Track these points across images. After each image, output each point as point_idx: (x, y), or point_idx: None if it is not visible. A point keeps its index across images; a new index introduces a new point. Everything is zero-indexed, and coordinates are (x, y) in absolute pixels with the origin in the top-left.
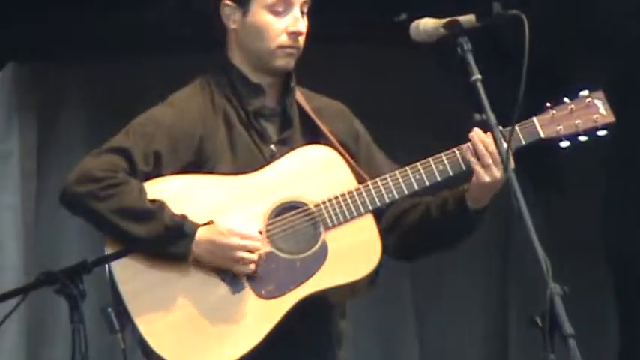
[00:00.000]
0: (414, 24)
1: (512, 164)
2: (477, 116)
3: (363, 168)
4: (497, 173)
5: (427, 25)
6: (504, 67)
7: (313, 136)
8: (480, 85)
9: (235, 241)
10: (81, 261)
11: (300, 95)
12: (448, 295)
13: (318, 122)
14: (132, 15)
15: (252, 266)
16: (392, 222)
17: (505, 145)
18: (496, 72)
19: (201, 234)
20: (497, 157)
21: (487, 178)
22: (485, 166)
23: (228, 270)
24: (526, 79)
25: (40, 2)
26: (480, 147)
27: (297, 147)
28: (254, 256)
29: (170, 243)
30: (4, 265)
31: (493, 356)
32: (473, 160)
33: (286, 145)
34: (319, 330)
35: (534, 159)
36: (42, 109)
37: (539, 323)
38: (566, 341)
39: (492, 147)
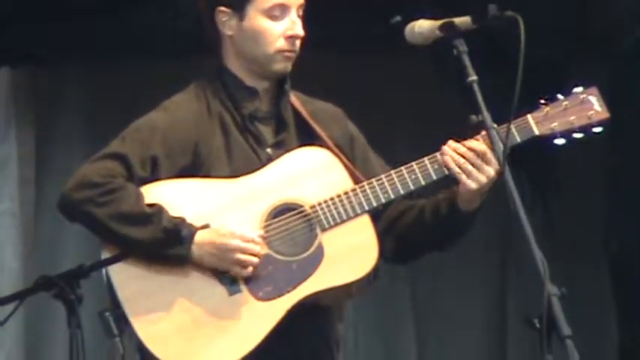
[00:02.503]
0: (409, 26)
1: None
2: (474, 117)
3: (358, 170)
4: (482, 178)
5: (422, 27)
6: (500, 67)
7: (309, 138)
8: (476, 86)
9: (236, 243)
10: (78, 265)
11: (294, 99)
12: (446, 299)
13: (314, 125)
14: (129, 18)
15: (250, 269)
16: (387, 226)
17: (501, 145)
18: (492, 72)
19: (200, 236)
20: (479, 162)
21: (473, 185)
22: (467, 174)
23: (226, 272)
24: (522, 80)
25: (36, 6)
26: (457, 158)
27: (293, 149)
28: (254, 260)
29: (169, 246)
30: (2, 270)
31: (493, 356)
32: (455, 169)
33: (282, 148)
34: (317, 332)
35: (531, 159)
36: (39, 115)
37: (537, 325)
38: (564, 342)
39: (469, 154)
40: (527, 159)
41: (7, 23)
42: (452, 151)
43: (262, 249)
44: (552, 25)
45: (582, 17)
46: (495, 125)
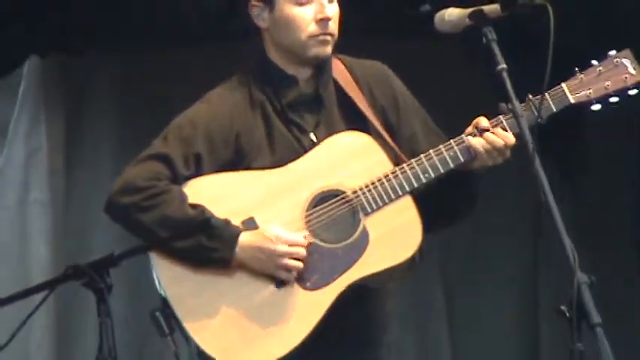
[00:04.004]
0: (438, 14)
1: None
2: (503, 105)
3: (401, 137)
4: (500, 160)
5: (452, 15)
6: (530, 55)
7: (352, 115)
8: (505, 74)
9: (282, 248)
10: (108, 254)
11: (339, 67)
12: (478, 287)
13: (357, 101)
14: (158, 6)
15: (295, 273)
16: None
17: (532, 126)
18: (522, 59)
19: (245, 239)
20: (504, 149)
21: (489, 163)
22: (489, 156)
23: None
24: (553, 66)
25: None
26: (483, 143)
27: (337, 130)
28: (299, 264)
29: (213, 251)
30: (32, 259)
31: (525, 343)
32: (481, 150)
33: (325, 128)
34: (365, 316)
35: (559, 145)
36: (69, 104)
37: (567, 313)
38: (594, 330)
39: (499, 141)
40: (556, 145)
41: (34, 12)
42: (485, 142)
43: (307, 239)
44: (576, 10)
45: (607, 2)
46: (530, 96)
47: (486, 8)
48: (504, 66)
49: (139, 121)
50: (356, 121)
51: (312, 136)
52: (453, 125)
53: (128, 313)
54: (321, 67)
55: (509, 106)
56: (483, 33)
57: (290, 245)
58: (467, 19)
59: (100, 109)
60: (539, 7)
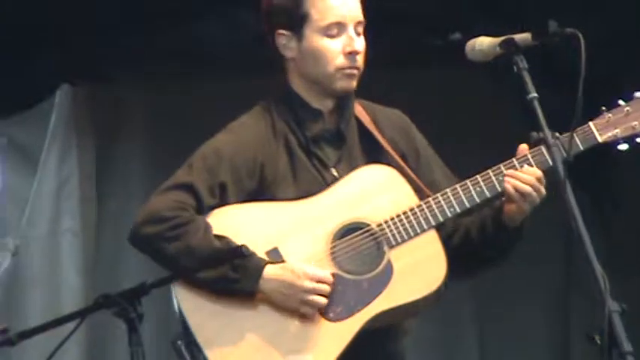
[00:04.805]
0: (469, 43)
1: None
2: (534, 134)
3: (422, 182)
4: (537, 199)
5: (483, 44)
6: (562, 84)
7: (374, 152)
8: (536, 103)
9: (309, 285)
10: (139, 283)
11: (361, 109)
12: (509, 317)
13: (379, 137)
14: (190, 37)
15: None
16: None
17: (562, 160)
18: (554, 89)
19: (270, 272)
20: (537, 185)
21: (527, 207)
22: (525, 197)
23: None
24: (586, 96)
25: (93, 22)
26: (522, 186)
27: (358, 166)
28: (323, 301)
29: (235, 282)
30: (64, 288)
31: None
32: (512, 192)
33: (345, 164)
34: (384, 349)
35: (588, 175)
36: (100, 133)
37: (598, 341)
38: (625, 359)
39: (530, 179)
40: (585, 175)
41: (65, 40)
42: (517, 180)
43: (331, 269)
44: (610, 38)
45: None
46: (558, 134)
47: (517, 37)
48: (535, 94)
49: (170, 148)
50: (377, 158)
51: (334, 172)
52: (476, 154)
53: (160, 341)
54: (343, 101)
55: (540, 135)
56: (514, 62)
57: (314, 281)
58: (497, 48)
59: (131, 137)
60: (570, 35)
